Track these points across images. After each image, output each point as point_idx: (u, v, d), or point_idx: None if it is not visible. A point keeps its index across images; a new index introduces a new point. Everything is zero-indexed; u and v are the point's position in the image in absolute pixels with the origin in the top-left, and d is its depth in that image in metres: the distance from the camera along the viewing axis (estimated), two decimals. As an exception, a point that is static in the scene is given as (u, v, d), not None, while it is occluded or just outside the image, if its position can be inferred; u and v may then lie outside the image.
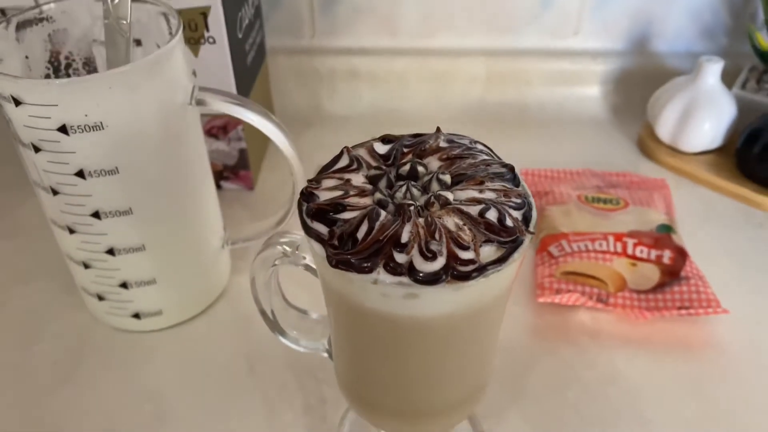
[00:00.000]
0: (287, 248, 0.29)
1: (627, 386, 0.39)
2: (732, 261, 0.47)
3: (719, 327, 0.42)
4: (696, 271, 0.44)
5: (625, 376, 0.40)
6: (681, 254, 0.45)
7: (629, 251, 0.45)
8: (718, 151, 0.56)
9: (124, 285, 0.39)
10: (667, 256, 0.44)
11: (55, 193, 0.35)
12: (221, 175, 0.53)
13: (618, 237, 0.45)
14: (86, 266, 0.39)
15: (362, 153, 0.27)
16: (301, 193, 0.25)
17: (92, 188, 0.35)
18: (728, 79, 0.58)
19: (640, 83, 0.62)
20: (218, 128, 0.50)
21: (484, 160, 0.26)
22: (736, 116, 0.54)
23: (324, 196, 0.25)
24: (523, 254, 0.25)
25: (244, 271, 0.47)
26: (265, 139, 0.59)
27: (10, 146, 0.35)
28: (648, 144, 0.57)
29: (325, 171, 0.26)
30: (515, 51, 0.63)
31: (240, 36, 0.48)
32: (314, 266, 0.29)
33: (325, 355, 0.33)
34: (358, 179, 0.25)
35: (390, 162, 0.26)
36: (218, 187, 0.52)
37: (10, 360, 0.41)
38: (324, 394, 0.39)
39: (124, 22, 0.36)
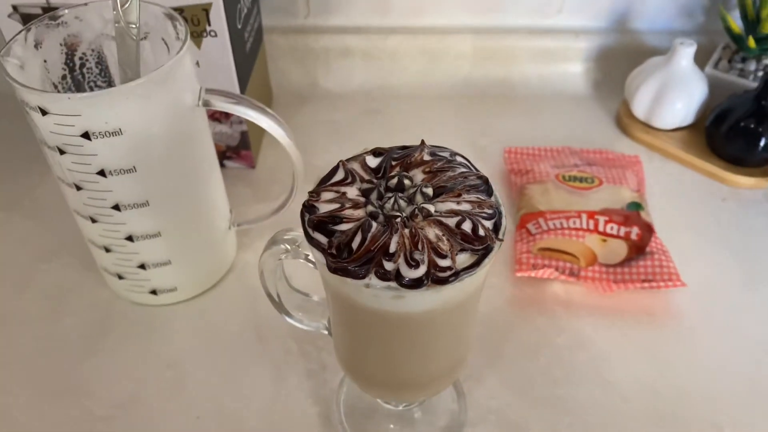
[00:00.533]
0: (290, 246, 0.33)
1: (594, 351, 0.44)
2: (694, 233, 0.52)
3: (678, 298, 0.47)
4: (660, 246, 0.48)
5: (593, 342, 0.45)
6: (648, 230, 0.49)
7: (600, 228, 0.49)
8: (689, 128, 0.60)
9: (142, 266, 0.43)
10: (635, 232, 0.49)
11: (78, 188, 0.39)
12: (224, 155, 0.56)
13: (591, 215, 0.50)
14: (107, 250, 0.43)
15: (356, 166, 0.30)
16: (303, 204, 0.29)
17: (112, 185, 0.38)
18: (703, 56, 0.61)
19: (620, 60, 0.65)
20: (221, 113, 0.53)
21: (462, 172, 0.30)
22: (707, 96, 0.58)
23: (323, 208, 0.29)
24: (493, 258, 0.29)
25: (249, 248, 0.51)
26: (266, 103, 0.63)
27: (28, 128, 0.38)
28: (624, 121, 0.61)
29: (324, 183, 0.30)
30: (501, 29, 0.66)
31: (239, 26, 0.51)
32: (314, 260, 0.33)
33: (325, 332, 0.38)
34: (352, 192, 0.29)
35: (380, 174, 0.30)
36: (222, 166, 0.56)
37: (42, 332, 0.45)
38: (324, 361, 0.44)
39: (134, 26, 0.39)
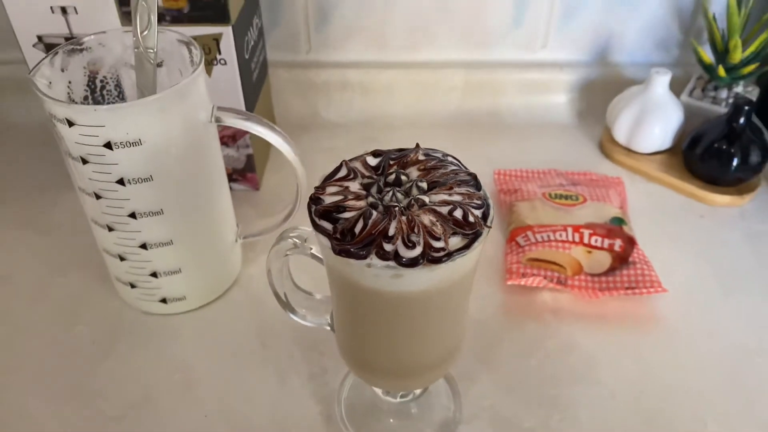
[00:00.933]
0: (297, 240, 0.36)
1: (582, 353, 0.47)
2: (674, 247, 0.55)
3: (660, 304, 0.50)
4: (642, 256, 0.51)
5: (581, 345, 0.47)
6: (630, 243, 0.52)
7: (585, 240, 0.52)
8: (668, 152, 0.63)
9: (154, 274, 0.46)
10: (618, 244, 0.52)
11: (98, 197, 0.42)
12: (231, 177, 0.60)
13: (576, 228, 0.53)
14: (122, 259, 0.45)
15: (357, 165, 0.34)
16: (310, 198, 0.32)
17: (130, 193, 0.41)
18: (679, 86, 0.65)
19: (602, 91, 0.69)
20: (228, 137, 0.57)
21: (453, 170, 0.34)
22: (683, 121, 0.62)
23: (328, 200, 0.32)
24: (483, 243, 0.32)
25: (254, 262, 0.54)
26: (268, 145, 0.66)
27: (43, 152, 0.41)
28: (607, 146, 0.65)
29: (328, 180, 0.33)
30: (490, 63, 0.70)
31: (247, 57, 0.55)
32: (320, 255, 0.36)
33: (328, 328, 0.40)
34: (354, 186, 0.33)
35: (379, 172, 0.33)
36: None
37: (56, 338, 0.48)
38: (325, 365, 0.46)
39: (152, 51, 0.43)
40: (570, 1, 0.67)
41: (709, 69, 0.63)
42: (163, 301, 0.48)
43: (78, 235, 0.56)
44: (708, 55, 0.62)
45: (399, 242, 0.29)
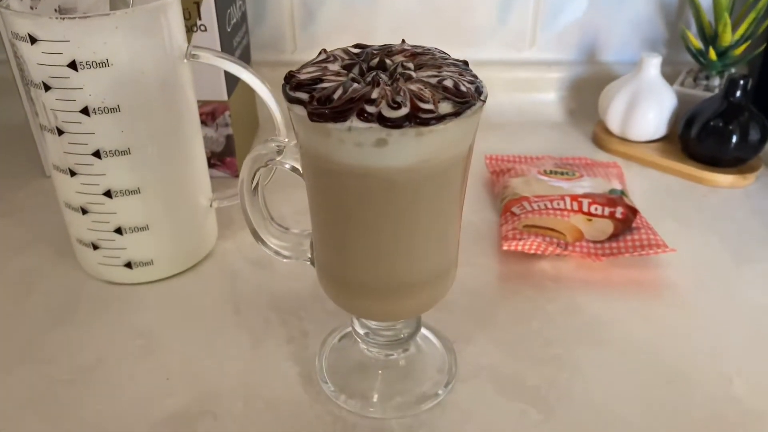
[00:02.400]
0: (279, 146, 0.33)
1: (587, 316, 0.42)
2: (680, 223, 0.52)
3: (669, 270, 0.46)
4: (646, 223, 0.48)
5: (585, 308, 0.43)
6: (632, 210, 0.49)
7: (585, 209, 0.49)
8: (663, 139, 0.61)
9: (118, 230, 0.42)
10: (619, 211, 0.49)
11: (60, 133, 0.39)
12: (209, 162, 0.57)
13: (574, 198, 0.49)
14: (84, 211, 0.42)
15: (338, 52, 0.31)
16: (284, 77, 0.29)
17: (95, 126, 0.38)
18: (669, 81, 0.64)
19: (592, 89, 0.68)
20: (206, 114, 0.54)
21: (443, 56, 0.31)
22: (677, 106, 0.60)
23: (304, 77, 0.29)
24: (477, 122, 0.29)
25: (230, 239, 0.50)
26: (251, 127, 0.64)
27: (16, 147, 0.38)
28: (600, 137, 0.63)
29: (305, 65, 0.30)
30: (478, 62, 0.69)
31: (228, 30, 0.53)
32: (299, 168, 0.32)
33: (307, 262, 0.36)
34: (334, 67, 0.30)
35: (362, 58, 0.31)
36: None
37: (6, 310, 0.43)
38: (306, 329, 0.41)
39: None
40: (555, 0, 0.67)
41: (699, 56, 0.62)
42: (128, 266, 0.44)
43: (41, 215, 0.52)
44: (697, 41, 0.62)
45: (383, 105, 0.26)
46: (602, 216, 0.48)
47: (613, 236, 0.47)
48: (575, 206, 0.49)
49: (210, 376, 0.38)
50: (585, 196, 0.50)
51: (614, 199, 0.50)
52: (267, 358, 0.39)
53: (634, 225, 0.47)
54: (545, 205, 0.49)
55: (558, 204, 0.49)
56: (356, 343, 0.38)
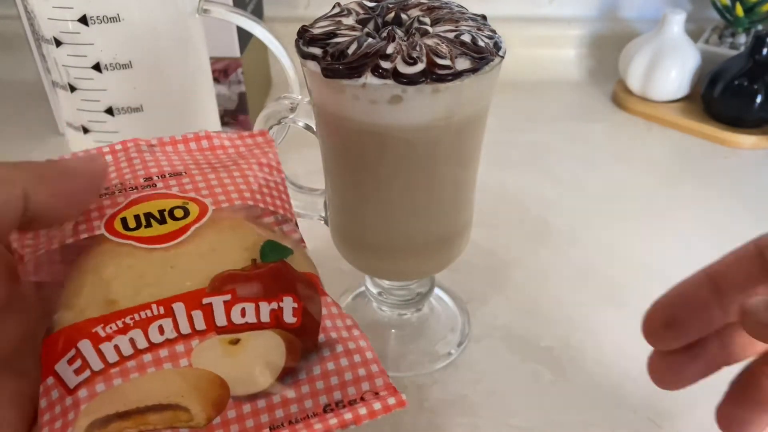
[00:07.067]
0: (293, 103, 0.32)
1: (601, 278, 0.42)
2: (699, 186, 0.51)
3: (685, 232, 0.45)
4: (344, 323, 0.22)
5: (600, 270, 0.43)
6: (310, 292, 0.22)
7: (219, 320, 0.20)
8: (685, 99, 0.60)
9: (132, 188, 0.42)
10: (289, 307, 0.21)
11: (72, 89, 0.38)
12: (222, 120, 0.56)
13: (191, 302, 0.20)
14: (98, 169, 0.42)
15: (352, 6, 0.30)
16: (297, 32, 0.29)
17: (107, 82, 0.38)
18: (693, 39, 0.62)
19: (613, 47, 0.66)
20: (219, 71, 0.54)
21: (461, 10, 0.30)
22: (700, 65, 0.58)
23: (318, 31, 0.28)
24: (495, 78, 0.28)
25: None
26: (264, 85, 0.63)
27: (32, 107, 0.38)
28: (620, 96, 0.62)
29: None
30: (496, 18, 0.67)
31: (241, -16, 0.52)
32: (313, 126, 0.32)
33: (321, 221, 0.36)
34: (348, 21, 0.29)
35: (377, 12, 0.30)
36: (219, 128, 0.56)
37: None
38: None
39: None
40: (577, -45, 0.65)
41: (725, 12, 0.60)
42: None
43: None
44: (724, -3, 0.60)
45: (398, 60, 0.26)
46: (258, 326, 0.20)
47: (288, 373, 0.20)
48: (199, 323, 0.20)
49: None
50: (213, 289, 0.21)
51: (272, 273, 0.22)
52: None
53: (322, 337, 0.21)
54: (120, 346, 0.19)
55: (153, 333, 0.19)
56: (369, 302, 0.38)
